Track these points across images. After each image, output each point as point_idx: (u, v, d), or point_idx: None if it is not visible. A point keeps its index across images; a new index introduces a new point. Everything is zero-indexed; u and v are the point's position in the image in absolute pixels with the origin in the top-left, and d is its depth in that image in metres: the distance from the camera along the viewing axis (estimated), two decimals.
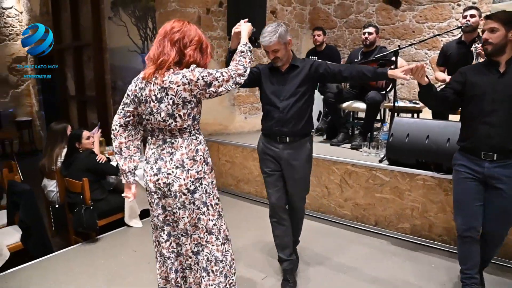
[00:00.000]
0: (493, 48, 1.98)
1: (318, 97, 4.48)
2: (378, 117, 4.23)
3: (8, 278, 2.66)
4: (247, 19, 2.08)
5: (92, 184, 3.22)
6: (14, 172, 3.58)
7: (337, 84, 4.15)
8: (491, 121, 2.00)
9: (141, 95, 1.74)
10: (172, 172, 1.76)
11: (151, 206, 1.90)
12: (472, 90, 2.07)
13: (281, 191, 2.41)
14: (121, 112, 1.85)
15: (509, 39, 1.95)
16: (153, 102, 1.71)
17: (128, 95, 1.82)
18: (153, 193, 1.85)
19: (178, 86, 1.68)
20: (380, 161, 3.24)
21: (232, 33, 2.10)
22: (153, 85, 1.70)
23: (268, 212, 2.50)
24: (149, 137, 1.86)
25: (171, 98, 1.69)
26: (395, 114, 3.43)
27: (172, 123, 1.73)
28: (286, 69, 2.28)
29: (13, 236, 2.92)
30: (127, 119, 1.85)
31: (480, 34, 3.38)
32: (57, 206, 3.42)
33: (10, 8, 7.25)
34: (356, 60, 4.10)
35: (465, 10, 3.35)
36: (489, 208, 2.09)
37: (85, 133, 3.34)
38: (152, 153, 1.83)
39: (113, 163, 3.49)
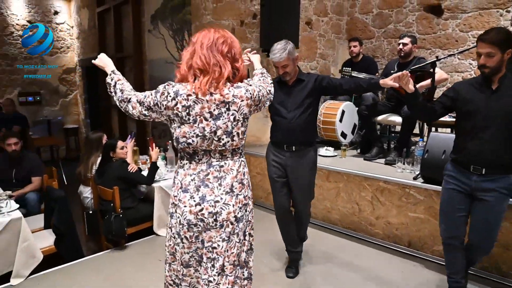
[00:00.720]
0: (491, 71, 2.01)
1: (353, 109, 4.35)
2: (417, 131, 4.02)
3: (40, 279, 2.78)
4: (253, 50, 2.19)
5: (123, 193, 3.31)
6: (53, 178, 3.77)
7: (373, 96, 4.00)
8: (483, 136, 2.06)
9: (188, 114, 1.52)
10: (221, 199, 1.57)
11: (183, 242, 1.61)
12: (465, 105, 2.13)
13: (286, 196, 2.64)
14: (142, 103, 1.59)
15: (504, 59, 1.99)
16: (206, 120, 1.52)
17: (156, 105, 1.55)
18: (192, 226, 1.58)
19: (242, 100, 1.54)
20: (415, 178, 3.06)
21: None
22: (207, 101, 1.51)
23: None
24: (183, 162, 1.62)
25: (232, 114, 1.53)
26: (432, 128, 3.23)
27: (227, 142, 1.55)
28: (293, 82, 2.51)
29: (48, 239, 3.06)
30: (141, 112, 1.61)
31: None
32: (91, 212, 3.55)
33: (63, 23, 7.77)
34: (392, 71, 3.93)
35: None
36: (474, 219, 2.17)
37: (119, 143, 3.45)
38: (191, 180, 1.58)
39: (144, 173, 3.57)
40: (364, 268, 2.88)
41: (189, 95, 1.50)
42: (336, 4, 5.37)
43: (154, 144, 3.65)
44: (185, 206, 1.57)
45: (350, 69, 4.12)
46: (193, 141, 1.54)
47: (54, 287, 2.69)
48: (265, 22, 4.21)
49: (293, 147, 2.52)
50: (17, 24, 6.96)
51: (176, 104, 1.51)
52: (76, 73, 7.99)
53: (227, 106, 1.52)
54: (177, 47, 5.17)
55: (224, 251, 1.58)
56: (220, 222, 1.56)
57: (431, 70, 3.18)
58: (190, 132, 1.53)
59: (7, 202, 2.80)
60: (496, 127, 2.03)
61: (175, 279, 1.70)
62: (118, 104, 1.66)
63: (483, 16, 4.28)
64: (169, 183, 3.60)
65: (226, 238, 1.58)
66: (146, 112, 1.59)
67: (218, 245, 1.58)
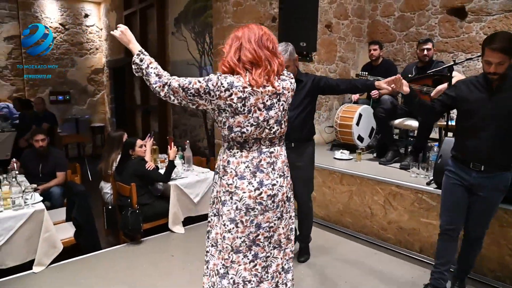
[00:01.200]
0: (500, 77, 2.05)
1: (371, 113, 4.32)
2: (435, 136, 3.95)
3: (60, 268, 2.94)
4: None
5: (139, 189, 3.44)
6: (76, 174, 3.96)
7: (392, 100, 3.96)
8: (481, 135, 2.12)
9: (243, 105, 1.58)
10: (276, 182, 1.70)
11: (237, 227, 1.68)
12: (465, 105, 2.19)
13: None
14: (187, 89, 1.58)
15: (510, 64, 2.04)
16: (260, 110, 1.62)
17: (208, 93, 1.56)
18: (250, 210, 1.67)
19: (288, 92, 1.70)
20: (428, 183, 3.02)
21: None
22: (261, 93, 1.60)
23: None
24: (234, 151, 1.67)
25: (281, 104, 1.67)
26: (448, 133, 3.18)
27: (277, 130, 1.69)
28: None
29: (68, 231, 3.22)
30: (186, 98, 1.60)
31: None
32: (110, 207, 3.70)
33: (92, 25, 8.09)
34: (410, 75, 3.89)
35: None
36: (471, 212, 2.28)
37: (139, 142, 3.58)
38: (246, 167, 1.66)
39: (161, 171, 3.69)
40: (374, 272, 2.87)
41: (245, 87, 1.57)
42: (357, 7, 5.34)
43: (173, 143, 3.76)
44: (243, 192, 1.66)
45: (366, 73, 4.10)
46: (247, 130, 1.62)
47: (72, 276, 2.83)
48: (284, 25, 4.25)
49: (292, 144, 2.67)
50: (50, 26, 7.31)
51: (230, 95, 1.57)
52: (103, 73, 8.30)
53: (278, 97, 1.66)
54: (198, 49, 5.30)
55: (278, 227, 1.75)
56: (276, 203, 1.71)
57: (449, 74, 3.14)
58: (245, 122, 1.61)
59: (32, 195, 2.97)
60: (495, 127, 2.08)
61: (221, 267, 1.74)
62: (153, 88, 1.62)
63: (509, 19, 4.15)
64: (185, 182, 3.70)
65: (280, 217, 1.74)
66: (191, 98, 1.58)
67: (274, 224, 1.73)
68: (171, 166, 3.61)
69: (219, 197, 1.73)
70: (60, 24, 7.55)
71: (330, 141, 5.08)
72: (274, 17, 4.60)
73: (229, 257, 1.70)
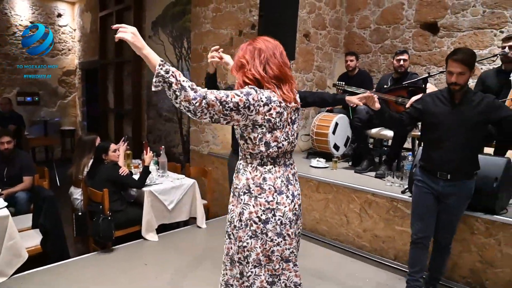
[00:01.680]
0: (460, 88, 2.20)
1: (346, 122, 4.38)
2: (409, 146, 4.05)
3: (24, 279, 2.76)
4: (220, 48, 2.10)
5: (112, 195, 3.32)
6: (44, 178, 3.78)
7: (367, 109, 4.03)
8: (446, 146, 2.25)
9: (280, 120, 1.58)
10: (299, 191, 1.77)
11: (285, 239, 1.66)
12: (430, 117, 2.32)
13: None
14: (225, 103, 1.46)
15: (470, 77, 2.21)
16: (289, 125, 1.64)
17: (247, 107, 1.49)
18: (292, 222, 1.67)
19: (300, 106, 1.74)
20: (403, 192, 3.08)
21: (209, 61, 2.12)
22: (290, 108, 1.62)
23: None
24: (268, 167, 1.64)
25: (299, 118, 1.73)
26: (422, 143, 3.26)
27: (295, 143, 1.73)
28: None
29: (34, 239, 3.06)
30: (221, 112, 1.47)
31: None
32: (80, 213, 3.54)
33: (66, 25, 7.85)
34: (385, 86, 3.99)
35: (507, 38, 3.15)
36: (439, 220, 2.38)
37: (112, 146, 3.47)
38: (281, 182, 1.65)
39: (135, 177, 3.58)
40: (350, 280, 2.88)
41: (281, 101, 1.57)
42: (334, 18, 5.45)
43: (148, 149, 3.67)
44: (285, 207, 1.65)
45: (343, 83, 4.17)
46: (283, 145, 1.63)
47: (38, 286, 2.68)
48: (263, 32, 4.26)
49: None
50: (20, 24, 7.03)
51: (269, 110, 1.54)
52: (76, 75, 8.04)
53: (298, 112, 1.70)
54: (175, 53, 5.23)
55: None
56: (301, 211, 1.79)
57: (423, 85, 3.24)
58: (281, 137, 1.61)
59: None
60: (458, 138, 2.22)
61: (269, 278, 1.69)
62: (190, 103, 1.41)
63: (477, 36, 4.35)
64: (160, 188, 3.61)
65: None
66: (227, 113, 1.47)
67: (300, 233, 1.83)
68: (146, 171, 3.51)
69: (258, 217, 1.62)
70: (30, 22, 7.26)
71: (306, 149, 5.11)
72: (254, 24, 4.62)
73: (279, 266, 1.69)
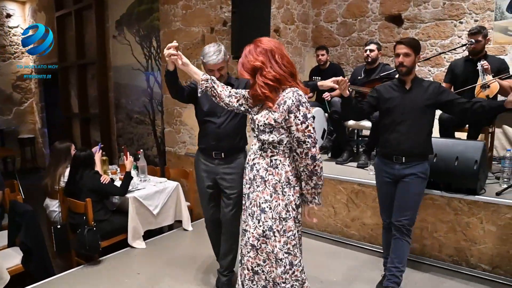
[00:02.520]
0: (407, 69, 2.37)
1: (322, 115, 4.46)
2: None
3: None
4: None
5: (95, 205, 3.17)
6: (16, 192, 3.53)
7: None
8: (400, 129, 2.39)
9: None
10: None
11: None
12: (385, 104, 2.47)
13: (215, 208, 2.56)
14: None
15: (416, 61, 2.38)
16: None
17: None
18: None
19: None
20: None
21: (167, 59, 2.02)
22: None
23: None
24: (290, 161, 1.78)
25: None
26: None
27: None
28: None
29: (14, 258, 2.86)
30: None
31: (486, 52, 3.40)
32: (59, 226, 3.35)
33: (16, 27, 7.33)
34: (359, 77, 4.10)
35: (472, 33, 3.31)
36: (396, 199, 2.46)
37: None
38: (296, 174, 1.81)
39: (117, 183, 3.45)
40: (343, 268, 2.95)
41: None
42: (302, 13, 5.51)
43: (128, 153, 3.53)
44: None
45: (319, 78, 4.24)
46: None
47: None
48: (236, 29, 4.23)
49: (222, 154, 2.42)
50: None
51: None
52: (31, 80, 7.55)
53: None
54: (144, 53, 5.06)
55: None
56: None
57: (396, 76, 3.36)
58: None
59: None
60: (410, 121, 2.37)
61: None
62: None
63: (439, 26, 4.58)
64: (144, 193, 3.50)
65: None
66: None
67: None
68: (128, 177, 3.39)
69: (296, 204, 1.79)
70: None
71: None
72: (225, 21, 4.56)
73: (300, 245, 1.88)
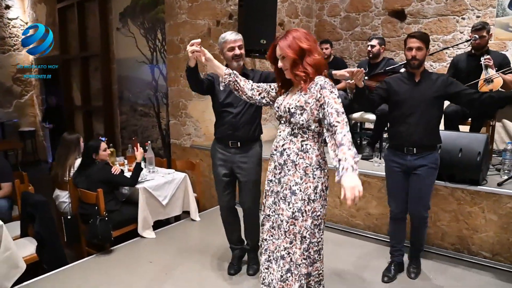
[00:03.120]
0: (419, 63, 2.44)
1: None
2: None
3: None
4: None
5: (106, 195, 3.22)
6: (26, 183, 3.57)
7: (344, 95, 4.20)
8: (410, 121, 2.45)
9: None
10: None
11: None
12: (394, 96, 2.52)
13: (231, 195, 2.67)
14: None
15: (426, 55, 2.47)
16: None
17: None
18: None
19: None
20: None
21: (190, 55, 2.04)
22: None
23: None
24: (319, 146, 1.87)
25: None
26: None
27: None
28: None
29: (28, 248, 2.91)
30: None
31: (489, 47, 3.47)
32: (69, 217, 3.41)
33: (16, 18, 7.28)
34: (364, 71, 4.17)
35: (476, 29, 3.38)
36: (410, 192, 2.55)
37: (103, 145, 3.36)
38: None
39: (127, 174, 3.50)
40: (352, 258, 3.04)
41: None
42: (306, 7, 5.56)
43: (138, 145, 3.58)
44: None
45: (326, 70, 4.29)
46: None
47: None
48: (243, 22, 4.27)
49: (238, 143, 2.53)
50: None
51: None
52: (32, 72, 7.52)
53: None
54: (149, 46, 5.08)
55: None
56: None
57: (402, 70, 3.43)
58: None
59: None
60: (420, 113, 2.43)
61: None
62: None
63: (442, 22, 4.66)
64: (153, 184, 3.56)
65: None
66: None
67: None
68: (138, 168, 3.44)
69: (326, 186, 1.89)
70: None
71: None
72: (231, 14, 4.60)
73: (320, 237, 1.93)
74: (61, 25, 6.18)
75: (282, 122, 1.92)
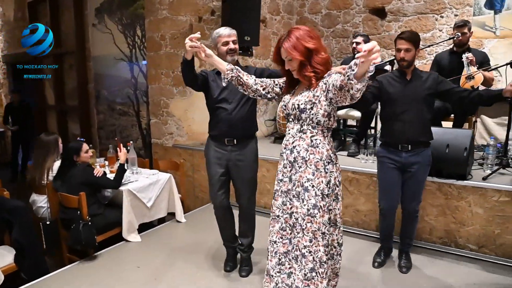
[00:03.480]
0: (408, 64, 2.46)
1: None
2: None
3: None
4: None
5: (88, 199, 3.07)
6: (1, 188, 3.36)
7: None
8: (403, 119, 2.48)
9: None
10: None
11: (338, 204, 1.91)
12: (386, 94, 2.54)
13: (226, 194, 2.63)
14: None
15: (416, 55, 2.49)
16: None
17: None
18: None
19: None
20: None
21: (188, 49, 2.01)
22: None
23: None
24: (329, 140, 1.87)
25: None
26: None
27: None
28: None
29: (5, 257, 2.74)
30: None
31: (469, 45, 3.56)
32: (48, 222, 3.23)
33: None
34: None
35: (458, 26, 3.46)
36: (404, 189, 2.60)
37: (85, 146, 3.21)
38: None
39: (110, 176, 3.36)
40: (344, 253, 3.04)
41: None
42: (287, 4, 5.53)
43: (121, 145, 3.45)
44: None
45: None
46: None
47: None
48: (226, 18, 4.19)
49: (235, 140, 2.50)
50: None
51: None
52: (0, 69, 7.15)
53: None
54: (127, 43, 4.91)
55: None
56: None
57: (391, 68, 3.47)
58: None
59: None
60: (413, 111, 2.46)
61: (340, 239, 1.97)
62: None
63: (421, 20, 4.75)
64: (138, 185, 3.43)
65: None
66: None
67: None
68: (122, 170, 3.31)
69: (339, 180, 1.87)
70: None
71: (269, 134, 5.21)
72: (213, 10, 4.51)
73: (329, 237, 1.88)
74: (31, 21, 5.88)
75: (291, 119, 1.88)
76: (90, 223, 2.99)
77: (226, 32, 2.42)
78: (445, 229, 3.06)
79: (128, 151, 3.85)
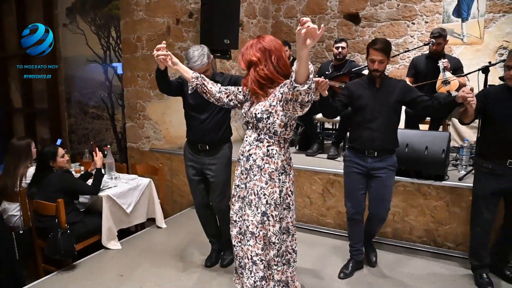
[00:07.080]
0: (380, 74, 2.49)
1: None
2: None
3: None
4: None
5: (67, 206, 2.94)
6: None
7: None
8: (372, 126, 2.50)
9: None
10: None
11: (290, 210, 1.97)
12: (357, 102, 2.55)
13: (203, 193, 2.76)
14: None
15: (387, 64, 2.51)
16: None
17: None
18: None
19: None
20: (460, 179, 3.19)
21: (156, 59, 2.06)
22: None
23: None
24: (285, 151, 1.92)
25: None
26: None
27: None
28: None
29: None
30: None
31: (444, 51, 3.73)
32: (21, 232, 3.06)
33: None
34: (327, 72, 4.27)
35: (434, 37, 3.59)
36: (371, 193, 2.63)
37: (61, 151, 3.07)
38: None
39: (88, 182, 3.24)
40: (321, 256, 3.09)
41: None
42: (263, 8, 5.57)
43: (97, 149, 3.33)
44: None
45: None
46: None
47: None
48: (206, 21, 4.16)
49: (207, 146, 2.62)
50: None
51: None
52: None
53: None
54: (101, 44, 4.76)
55: None
56: None
57: (365, 71, 3.57)
58: None
59: None
60: (381, 119, 2.48)
61: (294, 245, 2.06)
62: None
63: (394, 26, 4.93)
64: (117, 191, 3.33)
65: None
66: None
67: None
68: (100, 175, 3.20)
69: (291, 190, 1.94)
70: None
71: None
72: (192, 12, 4.47)
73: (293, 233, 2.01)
74: None
75: (249, 127, 1.93)
76: (68, 231, 2.86)
77: (197, 67, 2.40)
78: (424, 229, 3.18)
79: (105, 155, 3.73)
